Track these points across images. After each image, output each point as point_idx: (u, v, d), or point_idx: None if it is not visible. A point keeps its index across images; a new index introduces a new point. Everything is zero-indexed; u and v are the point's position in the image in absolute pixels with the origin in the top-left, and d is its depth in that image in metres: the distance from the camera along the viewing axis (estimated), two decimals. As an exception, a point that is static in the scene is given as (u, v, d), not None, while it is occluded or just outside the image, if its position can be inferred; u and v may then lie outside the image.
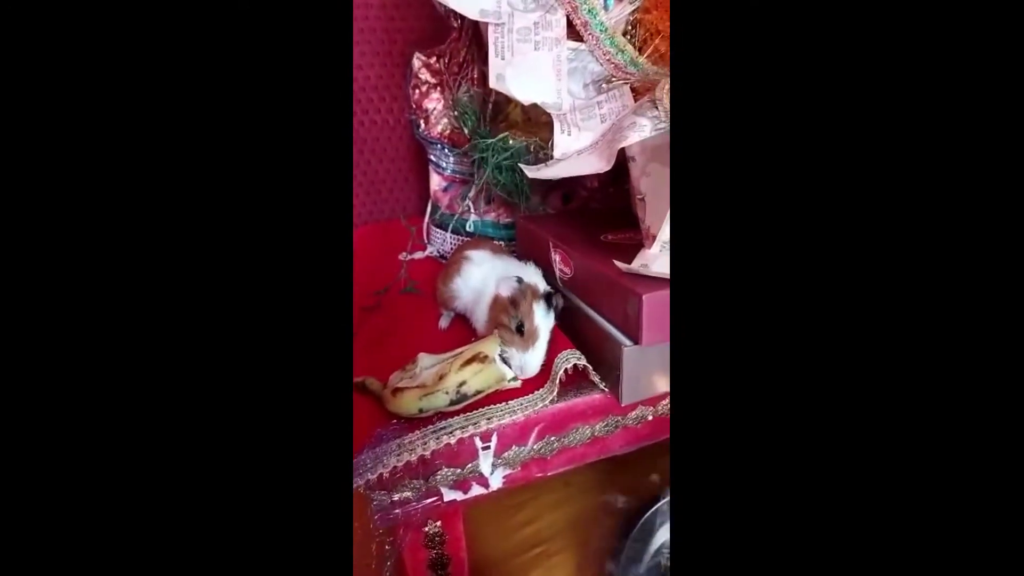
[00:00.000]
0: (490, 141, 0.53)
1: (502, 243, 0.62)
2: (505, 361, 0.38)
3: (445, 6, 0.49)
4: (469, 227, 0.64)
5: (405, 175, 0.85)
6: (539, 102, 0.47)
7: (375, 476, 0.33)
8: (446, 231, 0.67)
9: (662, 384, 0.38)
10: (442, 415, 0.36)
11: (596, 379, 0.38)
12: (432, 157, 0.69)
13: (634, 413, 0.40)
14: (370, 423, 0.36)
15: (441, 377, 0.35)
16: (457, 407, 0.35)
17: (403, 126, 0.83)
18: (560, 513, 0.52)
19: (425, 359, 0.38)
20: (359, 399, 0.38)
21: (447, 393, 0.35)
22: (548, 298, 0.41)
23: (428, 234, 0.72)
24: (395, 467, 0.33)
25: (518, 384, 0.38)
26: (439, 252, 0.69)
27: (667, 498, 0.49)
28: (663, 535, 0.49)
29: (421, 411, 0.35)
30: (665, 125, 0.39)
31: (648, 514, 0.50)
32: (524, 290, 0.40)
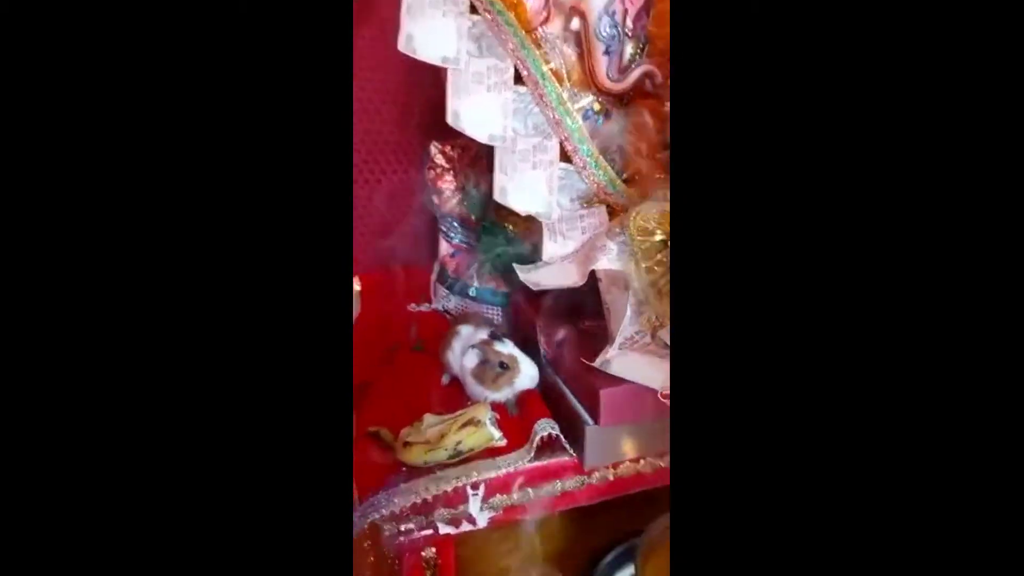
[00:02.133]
0: (498, 248, 0.64)
1: (497, 312, 0.73)
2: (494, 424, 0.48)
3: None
4: (471, 292, 0.75)
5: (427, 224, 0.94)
6: (533, 213, 0.58)
7: (388, 512, 0.43)
8: (451, 291, 0.78)
9: (619, 453, 0.48)
10: (442, 466, 0.46)
11: (566, 445, 0.48)
12: (443, 227, 0.81)
13: (597, 474, 0.50)
14: (385, 468, 0.46)
15: (442, 436, 0.45)
16: (454, 461, 0.46)
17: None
18: (536, 546, 0.62)
19: (429, 419, 0.48)
20: (377, 446, 0.49)
21: (446, 450, 0.45)
22: (493, 336, 0.52)
23: (434, 290, 0.83)
24: (403, 506, 0.43)
25: (503, 443, 0.48)
26: (444, 308, 0.80)
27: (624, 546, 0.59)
28: None
29: (425, 463, 0.45)
30: (630, 248, 0.50)
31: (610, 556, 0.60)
32: (484, 349, 0.51)
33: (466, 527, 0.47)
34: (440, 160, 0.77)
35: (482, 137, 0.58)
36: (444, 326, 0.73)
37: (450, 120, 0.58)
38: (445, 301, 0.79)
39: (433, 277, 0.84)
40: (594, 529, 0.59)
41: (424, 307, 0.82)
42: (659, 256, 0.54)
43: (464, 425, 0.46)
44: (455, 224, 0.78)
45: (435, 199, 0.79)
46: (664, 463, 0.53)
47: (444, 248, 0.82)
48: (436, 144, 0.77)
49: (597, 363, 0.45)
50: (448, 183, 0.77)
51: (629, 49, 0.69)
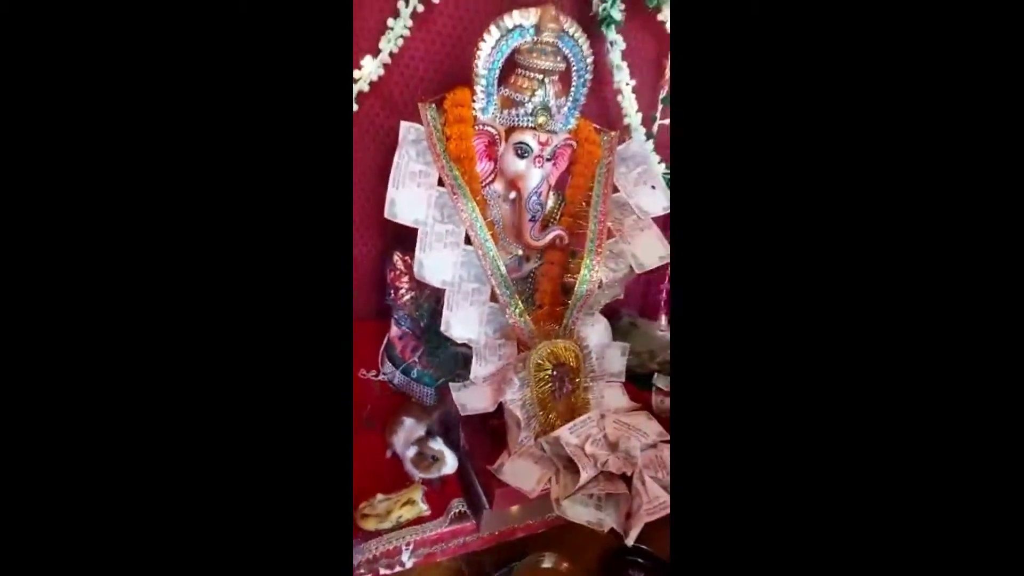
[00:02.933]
0: (440, 352, 0.86)
1: (430, 391, 0.94)
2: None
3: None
4: (413, 374, 0.96)
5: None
6: (467, 340, 0.81)
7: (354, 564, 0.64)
8: (397, 369, 0.98)
9: (508, 522, 0.73)
10: (387, 531, 0.68)
11: (470, 515, 0.72)
12: (395, 315, 1.00)
13: (487, 531, 0.75)
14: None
15: (389, 512, 0.67)
16: (396, 527, 0.68)
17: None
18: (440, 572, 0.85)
19: (380, 497, 0.70)
20: None
21: (391, 522, 0.67)
22: (429, 433, 0.74)
23: (382, 361, 1.02)
24: (360, 560, 0.64)
25: (429, 513, 0.71)
26: (389, 380, 0.99)
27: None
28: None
29: (376, 529, 0.67)
30: (527, 380, 0.75)
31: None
32: (421, 445, 0.74)
33: (398, 569, 0.69)
34: (400, 266, 0.96)
35: (437, 282, 0.80)
36: (390, 400, 0.94)
37: (416, 269, 0.79)
38: (391, 376, 0.99)
39: (382, 350, 1.03)
40: (481, 561, 0.84)
41: (372, 375, 1.01)
42: (548, 385, 0.79)
43: (404, 504, 0.68)
44: (405, 316, 0.98)
45: (391, 294, 0.98)
46: (531, 520, 0.79)
47: (394, 331, 1.01)
48: (399, 253, 0.96)
49: (494, 468, 0.70)
50: (403, 284, 0.97)
51: (551, 203, 0.94)
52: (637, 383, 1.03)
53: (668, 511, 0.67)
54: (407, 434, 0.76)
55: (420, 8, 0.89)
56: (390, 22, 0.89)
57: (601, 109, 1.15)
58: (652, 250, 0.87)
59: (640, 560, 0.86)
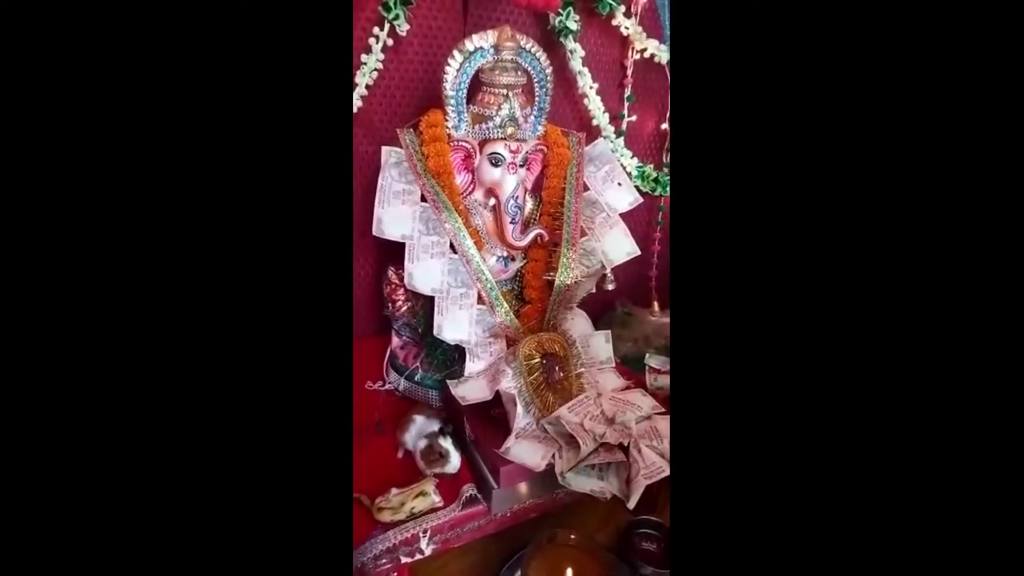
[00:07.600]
0: (440, 353, 0.92)
1: (435, 395, 0.99)
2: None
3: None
4: (417, 378, 1.01)
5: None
6: (459, 340, 0.86)
7: (372, 555, 0.69)
8: (401, 376, 1.04)
9: (517, 500, 0.77)
10: (402, 522, 0.73)
11: (480, 499, 0.77)
12: (394, 326, 1.06)
13: (500, 513, 0.79)
14: (368, 525, 0.72)
15: (402, 504, 0.72)
16: (410, 519, 0.73)
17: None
18: (460, 562, 0.90)
19: (394, 491, 0.75)
20: (360, 509, 0.74)
21: (406, 512, 0.72)
22: (441, 431, 0.79)
23: (387, 372, 1.08)
24: (381, 550, 0.69)
25: (441, 503, 0.76)
26: (395, 388, 1.05)
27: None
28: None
29: (392, 520, 0.72)
30: (519, 369, 0.80)
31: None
32: (431, 441, 0.79)
33: (418, 557, 0.74)
34: (395, 279, 1.03)
35: (427, 291, 0.86)
36: (397, 405, 0.99)
37: (406, 280, 0.85)
38: (397, 383, 1.05)
39: (385, 361, 1.09)
40: (499, 545, 0.88)
41: (378, 385, 1.07)
42: (539, 372, 0.84)
43: (417, 496, 0.73)
44: (405, 326, 1.04)
45: (390, 307, 1.04)
46: (539, 499, 0.83)
47: (395, 341, 1.07)
48: (392, 268, 1.03)
49: (501, 450, 0.75)
50: (400, 296, 1.03)
51: (530, 205, 1.00)
52: (634, 366, 1.08)
53: (665, 475, 0.71)
54: (419, 429, 0.82)
55: (390, 42, 0.97)
56: (363, 57, 0.97)
57: (574, 113, 1.22)
58: (620, 247, 0.93)
59: (652, 532, 0.89)
